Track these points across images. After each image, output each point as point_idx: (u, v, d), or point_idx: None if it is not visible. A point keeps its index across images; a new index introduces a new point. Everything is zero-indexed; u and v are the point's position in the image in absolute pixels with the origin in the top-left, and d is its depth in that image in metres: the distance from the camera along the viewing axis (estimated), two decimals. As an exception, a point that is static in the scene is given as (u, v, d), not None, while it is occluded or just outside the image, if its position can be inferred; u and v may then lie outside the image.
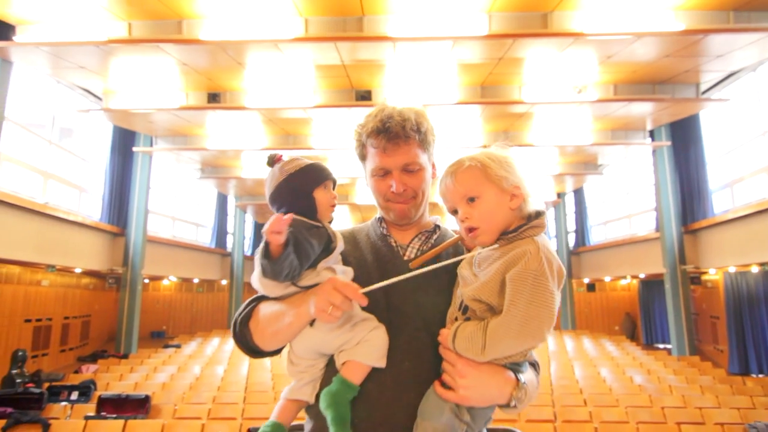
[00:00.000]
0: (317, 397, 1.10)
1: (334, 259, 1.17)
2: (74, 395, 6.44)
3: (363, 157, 1.29)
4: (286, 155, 1.21)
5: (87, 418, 5.38)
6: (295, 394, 1.15)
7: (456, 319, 1.08)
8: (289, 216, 1.00)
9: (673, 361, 9.19)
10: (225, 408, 5.84)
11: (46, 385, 6.86)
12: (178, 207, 14.21)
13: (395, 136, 1.19)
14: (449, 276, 1.17)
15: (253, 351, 1.17)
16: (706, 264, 10.40)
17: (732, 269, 10.27)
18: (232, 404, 6.04)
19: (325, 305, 1.00)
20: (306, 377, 1.15)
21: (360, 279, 1.14)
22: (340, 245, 1.18)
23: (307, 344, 1.13)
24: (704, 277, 11.86)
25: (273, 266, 1.02)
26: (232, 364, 8.62)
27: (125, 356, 10.08)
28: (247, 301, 1.23)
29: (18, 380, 7.43)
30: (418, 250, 1.26)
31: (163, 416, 5.65)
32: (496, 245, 1.05)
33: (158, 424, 5.07)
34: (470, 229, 1.07)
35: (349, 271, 1.17)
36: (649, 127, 10.42)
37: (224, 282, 17.10)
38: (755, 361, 10.10)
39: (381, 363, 1.09)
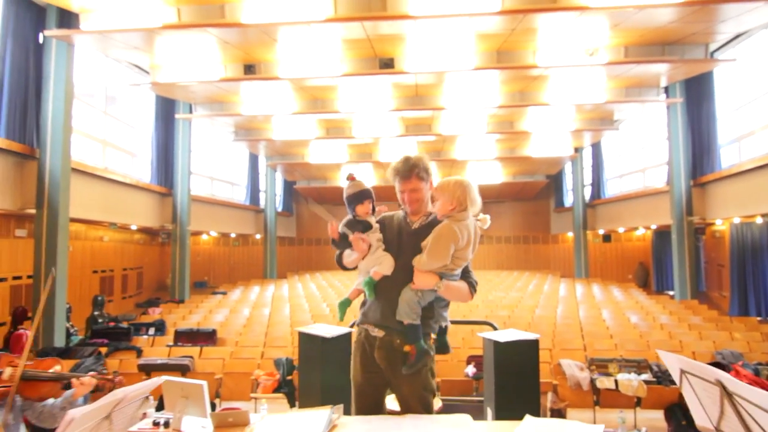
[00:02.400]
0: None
1: (375, 230, 2.17)
2: (151, 331, 7.74)
3: (394, 181, 2.27)
4: (355, 175, 2.14)
5: (168, 346, 6.63)
6: (358, 286, 2.22)
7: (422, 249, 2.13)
8: (333, 226, 2.04)
9: (673, 304, 10.04)
10: (276, 339, 7.04)
11: (125, 323, 8.20)
12: (215, 167, 15.28)
13: (406, 176, 2.13)
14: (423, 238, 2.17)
15: (345, 268, 2.21)
16: (713, 215, 10.99)
17: (737, 220, 10.84)
18: (281, 336, 7.23)
19: (356, 243, 2.07)
20: (361, 280, 2.15)
21: (388, 237, 2.21)
22: (375, 227, 2.23)
23: (362, 266, 2.11)
24: (712, 228, 12.45)
25: (334, 244, 2.12)
26: (275, 307, 9.87)
27: (181, 301, 11.49)
28: (340, 249, 2.24)
29: (100, 320, 8.82)
30: (419, 224, 2.20)
31: (227, 345, 6.88)
32: (442, 221, 2.07)
33: (227, 351, 6.28)
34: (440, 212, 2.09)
35: (378, 235, 2.12)
36: (663, 84, 10.74)
37: (258, 236, 18.38)
38: (754, 305, 10.84)
39: (389, 272, 2.17)
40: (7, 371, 1.94)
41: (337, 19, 6.82)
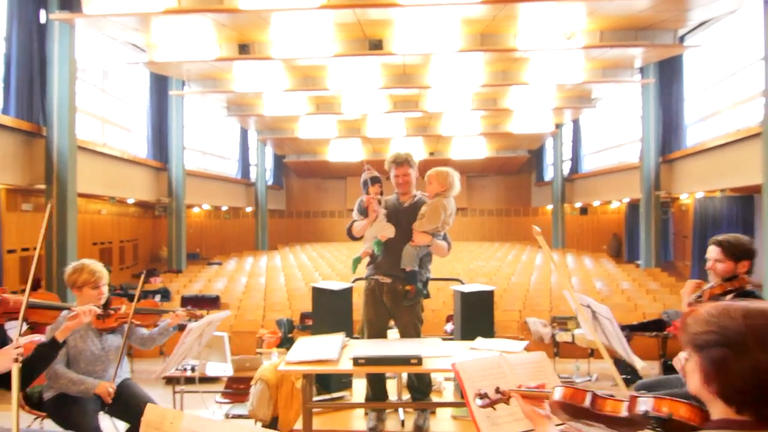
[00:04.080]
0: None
1: (381, 206, 2.78)
2: (157, 297, 8.36)
3: (390, 169, 2.96)
4: (370, 166, 2.76)
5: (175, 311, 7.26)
6: (364, 248, 2.93)
7: (418, 219, 2.86)
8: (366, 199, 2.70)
9: (637, 272, 10.95)
10: (275, 304, 7.73)
11: (132, 291, 8.80)
12: (207, 142, 15.63)
13: (399, 165, 2.84)
14: (417, 211, 2.88)
15: (353, 238, 2.90)
16: (679, 190, 11.82)
17: (700, 194, 11.69)
18: (279, 302, 7.93)
19: (371, 203, 2.84)
20: (368, 245, 2.82)
21: (388, 213, 2.95)
22: (383, 204, 2.89)
23: (368, 234, 2.84)
24: (679, 202, 13.33)
25: (359, 212, 2.80)
26: (270, 276, 10.54)
27: (179, 271, 12.09)
28: (351, 221, 2.93)
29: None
30: (408, 203, 2.87)
31: (231, 309, 7.56)
32: (433, 198, 2.76)
33: (232, 314, 6.95)
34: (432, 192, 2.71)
35: (384, 210, 2.79)
36: (638, 65, 11.37)
37: (249, 209, 18.88)
38: (712, 272, 11.82)
39: (392, 235, 2.89)
40: (124, 307, 2.58)
41: (330, 6, 7.25)
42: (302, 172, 21.12)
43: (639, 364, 2.08)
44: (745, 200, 11.10)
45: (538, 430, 1.24)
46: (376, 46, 9.49)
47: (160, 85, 12.24)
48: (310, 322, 6.18)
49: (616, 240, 18.28)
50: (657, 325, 5.43)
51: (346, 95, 12.56)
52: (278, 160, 20.11)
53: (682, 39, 10.03)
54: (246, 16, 8.25)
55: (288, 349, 5.55)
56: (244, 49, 9.71)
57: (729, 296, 2.20)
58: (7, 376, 1.71)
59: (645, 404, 1.04)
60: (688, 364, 0.95)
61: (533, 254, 13.97)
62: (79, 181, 8.68)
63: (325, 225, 21.40)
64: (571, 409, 1.14)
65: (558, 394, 1.18)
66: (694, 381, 0.95)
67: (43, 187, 7.99)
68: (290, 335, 5.97)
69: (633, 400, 1.07)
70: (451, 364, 1.57)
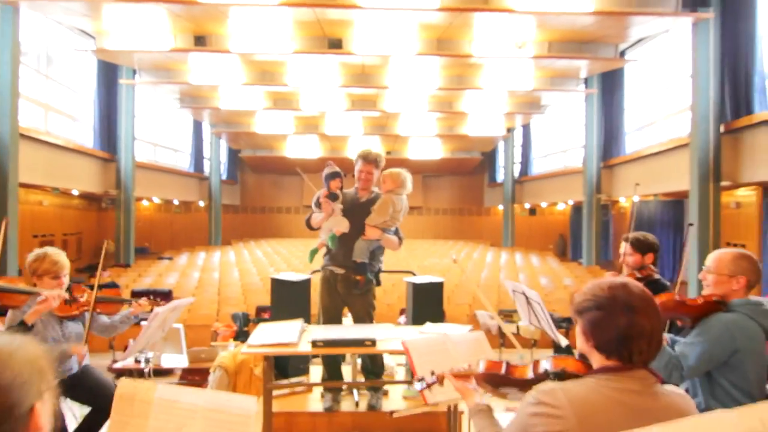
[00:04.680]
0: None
1: (338, 201, 2.91)
2: (105, 292, 8.10)
3: (357, 162, 3.13)
4: (332, 163, 2.90)
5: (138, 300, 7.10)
6: (320, 240, 3.08)
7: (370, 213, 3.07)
8: (323, 193, 2.79)
9: (579, 269, 11.65)
10: (229, 298, 7.70)
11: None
12: (158, 133, 15.15)
13: (367, 162, 3.01)
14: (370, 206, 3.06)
15: (312, 228, 3.06)
16: (617, 194, 12.65)
17: (636, 198, 12.55)
18: (234, 297, 7.90)
19: (325, 204, 2.98)
20: (323, 237, 2.97)
21: (345, 207, 3.06)
22: (340, 199, 3.01)
23: (324, 226, 3.04)
24: (618, 205, 14.25)
25: (316, 205, 2.86)
26: (224, 271, 10.43)
27: (127, 266, 11.71)
28: (310, 212, 3.04)
29: (48, 283, 8.98)
30: (366, 199, 3.07)
31: (184, 305, 7.46)
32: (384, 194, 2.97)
33: (186, 308, 6.87)
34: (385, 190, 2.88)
35: (339, 205, 2.95)
36: (583, 75, 12.08)
37: (201, 203, 18.44)
38: (646, 270, 12.73)
39: (346, 230, 3.05)
40: (86, 295, 2.58)
41: (289, 3, 7.30)
42: (258, 167, 20.83)
43: (563, 342, 2.37)
44: (676, 204, 12.05)
45: (468, 401, 1.48)
46: (335, 45, 9.59)
47: (108, 73, 11.76)
48: (266, 316, 6.24)
49: (561, 240, 19.24)
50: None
51: (305, 92, 12.57)
52: (233, 154, 19.75)
53: (623, 53, 10.76)
54: (203, 8, 8.15)
55: (243, 342, 5.59)
56: (200, 40, 9.55)
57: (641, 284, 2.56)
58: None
59: (545, 364, 1.30)
60: (576, 328, 1.20)
61: (484, 252, 14.51)
62: (20, 170, 8.27)
63: (281, 221, 21.22)
64: (492, 379, 1.39)
65: (481, 366, 1.42)
66: (580, 340, 1.20)
67: (-21, 175, 7.57)
68: (245, 329, 6.00)
69: (536, 363, 1.33)
70: (402, 342, 1.76)
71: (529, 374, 1.31)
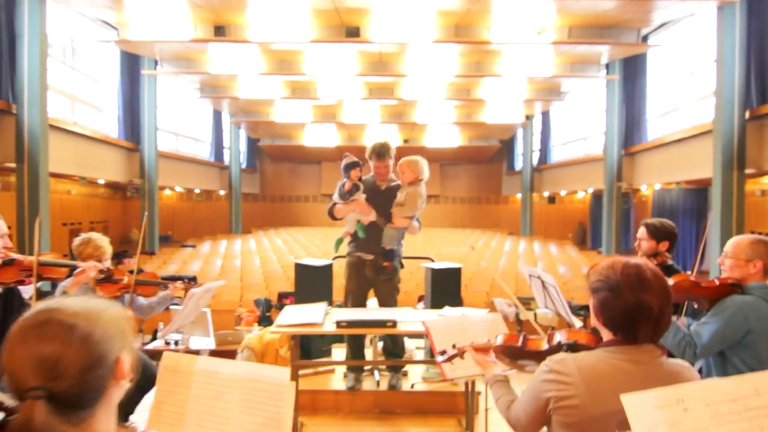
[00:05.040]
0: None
1: (360, 191, 3.00)
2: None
3: (371, 159, 3.24)
4: (347, 155, 2.98)
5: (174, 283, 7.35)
6: (346, 229, 3.15)
7: (396, 205, 3.16)
8: (348, 183, 2.85)
9: (599, 258, 11.54)
10: (251, 285, 7.90)
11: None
12: (179, 123, 15.42)
13: (381, 158, 3.11)
14: (394, 195, 3.14)
15: (334, 218, 3.11)
16: (639, 182, 12.46)
17: (658, 186, 12.37)
18: (255, 283, 8.10)
19: (362, 205, 3.07)
20: (349, 226, 3.05)
21: (367, 194, 3.12)
22: (362, 188, 3.10)
23: (350, 217, 3.05)
24: (640, 193, 14.03)
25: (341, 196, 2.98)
26: (246, 258, 10.65)
27: (152, 253, 12.04)
28: (332, 201, 3.13)
29: (78, 269, 9.32)
30: (386, 187, 3.14)
31: (208, 290, 7.68)
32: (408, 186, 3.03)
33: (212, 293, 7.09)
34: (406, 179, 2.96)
35: (363, 195, 3.03)
36: (604, 61, 11.86)
37: (222, 192, 18.75)
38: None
39: (374, 218, 3.19)
40: (126, 278, 2.74)
41: (308, -8, 7.33)
42: (277, 156, 21.03)
43: (577, 324, 2.43)
44: (699, 192, 11.83)
45: (487, 372, 1.56)
46: (352, 33, 9.61)
47: (131, 63, 12.00)
48: (287, 302, 6.40)
49: (581, 228, 19.04)
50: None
51: (322, 81, 12.63)
52: (252, 143, 19.97)
53: (645, 38, 10.53)
54: (223, -2, 8.24)
55: (266, 326, 5.76)
56: (219, 30, 9.67)
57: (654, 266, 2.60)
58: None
59: (559, 336, 1.40)
60: (589, 303, 1.27)
61: (502, 241, 14.48)
62: (50, 160, 8.55)
63: (299, 209, 21.45)
64: (510, 350, 1.47)
65: (500, 339, 1.51)
66: (592, 316, 1.28)
67: (12, 165, 7.85)
68: (268, 314, 6.18)
69: (551, 335, 1.41)
70: (422, 322, 1.85)
71: (544, 346, 1.40)
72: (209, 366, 1.42)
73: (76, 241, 2.64)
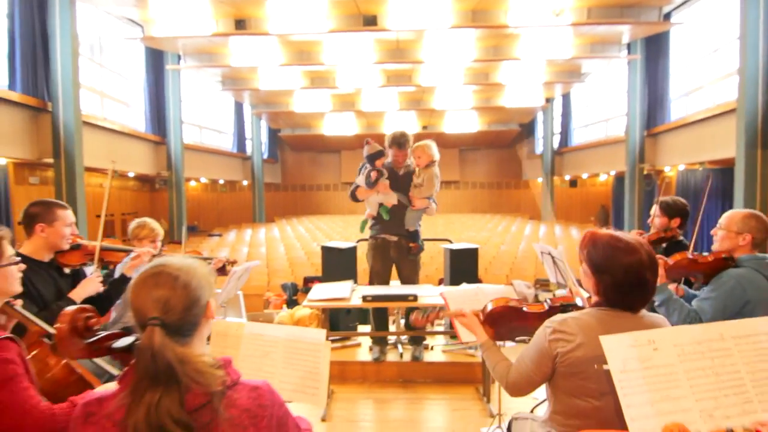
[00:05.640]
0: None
1: (384, 177, 3.19)
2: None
3: (391, 147, 3.41)
4: (371, 140, 3.16)
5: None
6: (368, 211, 3.34)
7: (415, 187, 3.33)
8: (374, 173, 3.05)
9: (620, 240, 11.51)
10: (277, 271, 8.20)
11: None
12: (203, 115, 15.80)
13: (401, 148, 3.33)
14: (411, 179, 3.39)
15: (356, 200, 3.34)
16: (661, 163, 12.30)
17: (682, 167, 12.19)
18: (281, 269, 8.40)
19: (384, 186, 3.30)
20: (372, 209, 3.25)
21: (390, 179, 3.25)
22: (385, 174, 3.24)
23: (372, 199, 3.29)
24: (663, 174, 13.83)
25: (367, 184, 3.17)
26: (270, 246, 10.99)
27: (181, 242, 12.49)
28: (354, 184, 3.34)
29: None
30: (403, 172, 3.39)
31: (236, 276, 8.02)
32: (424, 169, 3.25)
33: (238, 279, 7.40)
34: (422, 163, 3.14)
35: (385, 179, 3.21)
36: (625, 41, 11.67)
37: (245, 182, 19.18)
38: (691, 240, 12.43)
39: (396, 202, 3.40)
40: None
41: (326, -17, 7.46)
42: (297, 146, 21.33)
43: (579, 301, 2.58)
44: (724, 172, 11.61)
45: (479, 337, 1.68)
46: (370, 21, 9.71)
47: (155, 59, 12.36)
48: (313, 285, 6.68)
49: (603, 211, 18.85)
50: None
51: (341, 70, 12.77)
52: (273, 134, 20.29)
53: (667, 16, 10.33)
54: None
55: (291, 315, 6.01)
56: (240, 24, 9.89)
57: (663, 244, 2.73)
58: (91, 301, 2.16)
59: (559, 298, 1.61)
60: (581, 268, 1.45)
61: (523, 225, 14.51)
62: (85, 155, 8.96)
63: (320, 198, 21.77)
64: (509, 313, 1.64)
65: (493, 305, 1.66)
66: (584, 280, 1.45)
67: (50, 161, 8.29)
68: (294, 297, 6.46)
69: (553, 299, 1.57)
70: (440, 294, 2.03)
71: (546, 308, 1.57)
72: (255, 330, 1.64)
73: (133, 224, 2.92)
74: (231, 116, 17.36)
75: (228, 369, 0.97)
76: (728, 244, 2.06)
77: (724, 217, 2.11)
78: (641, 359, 0.98)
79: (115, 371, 1.55)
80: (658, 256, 1.79)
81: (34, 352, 1.32)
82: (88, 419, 0.92)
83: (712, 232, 2.17)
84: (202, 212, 20.27)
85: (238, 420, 0.92)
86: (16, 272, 1.38)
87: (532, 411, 2.12)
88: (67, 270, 2.27)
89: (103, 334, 1.12)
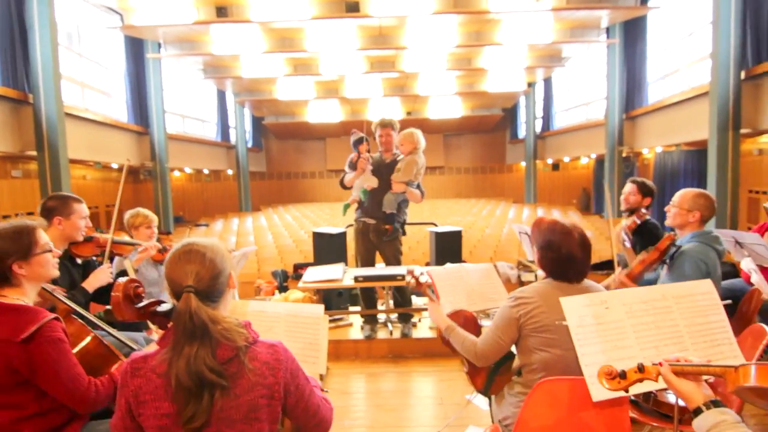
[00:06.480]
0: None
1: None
2: (153, 256, 8.82)
3: (376, 130, 3.50)
4: (354, 131, 3.29)
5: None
6: (352, 197, 3.47)
7: (396, 171, 3.55)
8: (355, 156, 3.20)
9: (600, 222, 11.86)
10: (267, 258, 8.32)
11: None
12: (185, 105, 15.65)
13: (384, 126, 3.36)
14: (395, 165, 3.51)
15: (345, 187, 3.49)
16: (640, 145, 12.62)
17: (659, 149, 12.53)
18: (270, 257, 8.52)
19: (362, 162, 3.47)
20: (355, 194, 3.40)
21: (374, 167, 3.41)
22: (371, 161, 3.36)
23: (356, 184, 3.55)
24: (642, 156, 14.19)
25: (350, 167, 3.28)
26: (258, 234, 11.07)
27: (168, 233, 12.49)
28: (343, 173, 3.49)
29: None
30: (390, 160, 3.44)
31: (226, 264, 8.13)
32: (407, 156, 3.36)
33: (228, 267, 7.53)
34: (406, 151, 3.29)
35: (370, 166, 3.35)
36: (604, 25, 11.87)
37: (230, 171, 19.10)
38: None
39: (376, 185, 3.61)
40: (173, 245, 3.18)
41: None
42: (281, 134, 21.25)
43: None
44: (699, 154, 11.98)
45: (440, 324, 1.92)
46: (352, 8, 9.74)
47: (135, 48, 12.19)
48: (303, 272, 6.82)
49: (585, 194, 19.25)
50: (607, 265, 6.24)
51: (324, 57, 12.76)
52: (257, 122, 20.17)
53: (645, 0, 10.54)
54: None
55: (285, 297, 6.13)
56: (221, 12, 9.83)
57: (634, 228, 2.93)
58: (102, 292, 2.30)
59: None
60: (533, 251, 1.67)
61: (506, 209, 14.79)
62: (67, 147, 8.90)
63: (305, 186, 21.78)
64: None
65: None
66: (535, 257, 1.74)
67: (33, 153, 8.22)
68: (285, 284, 6.60)
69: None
70: (426, 272, 2.21)
71: None
72: (258, 307, 1.80)
73: (127, 214, 3.03)
74: (214, 105, 17.22)
75: (249, 330, 1.15)
76: (679, 220, 2.28)
77: (677, 196, 2.34)
78: (595, 316, 1.16)
79: (135, 347, 1.70)
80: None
81: (71, 328, 1.51)
82: (135, 373, 1.09)
83: (665, 209, 2.38)
84: (187, 202, 20.13)
85: (259, 370, 1.10)
86: (51, 259, 1.52)
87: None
88: (78, 260, 2.41)
89: (149, 300, 1.30)
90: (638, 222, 2.92)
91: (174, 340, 1.08)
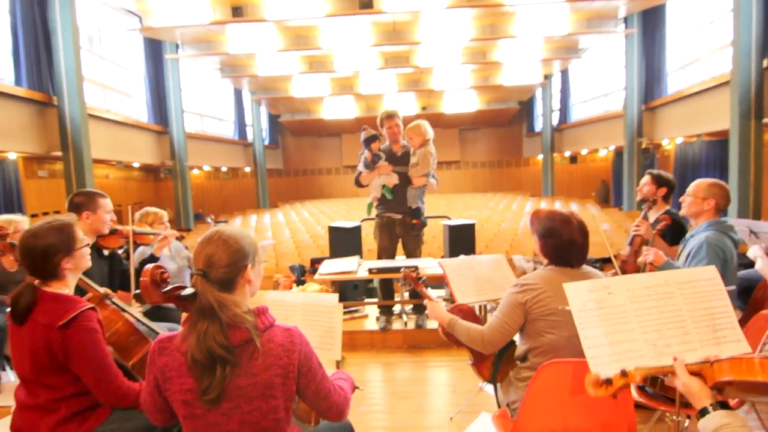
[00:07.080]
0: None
1: (382, 159, 3.40)
2: (175, 252, 9.04)
3: (381, 124, 3.61)
4: (364, 128, 3.35)
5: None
6: (373, 194, 3.54)
7: (412, 167, 3.61)
8: (369, 154, 3.24)
9: (619, 214, 11.72)
10: (285, 254, 8.45)
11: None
12: (203, 103, 15.91)
13: (388, 118, 3.43)
14: (408, 158, 3.62)
15: (360, 185, 3.53)
16: (660, 136, 12.41)
17: (680, 140, 12.30)
18: (288, 252, 8.65)
19: (386, 168, 3.53)
20: (376, 192, 3.47)
21: (387, 160, 3.53)
22: (383, 157, 3.44)
23: (375, 182, 3.52)
24: (662, 148, 13.94)
25: (366, 166, 3.38)
26: (276, 230, 11.23)
27: (189, 230, 12.76)
28: (357, 171, 3.55)
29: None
30: (401, 153, 3.58)
31: (245, 260, 8.29)
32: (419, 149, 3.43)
33: (247, 263, 7.68)
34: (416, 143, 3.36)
35: (384, 161, 3.41)
36: (622, 15, 11.67)
37: (247, 169, 19.36)
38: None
39: (397, 181, 3.67)
40: None
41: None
42: (297, 131, 21.43)
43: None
44: (721, 144, 11.73)
45: (442, 320, 1.95)
46: (366, 5, 9.76)
47: (154, 49, 12.44)
48: (319, 266, 6.93)
49: (604, 186, 19.00)
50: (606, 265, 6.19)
51: (338, 53, 12.83)
52: (273, 119, 20.38)
53: (663, -12, 10.33)
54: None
55: (302, 289, 6.25)
56: (237, 11, 9.96)
57: (661, 224, 2.90)
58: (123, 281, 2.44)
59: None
60: (533, 240, 1.75)
61: (523, 202, 14.70)
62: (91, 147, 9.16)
63: (322, 182, 21.94)
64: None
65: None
66: (536, 247, 1.80)
67: (58, 154, 8.49)
68: (303, 278, 6.72)
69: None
70: (438, 263, 2.26)
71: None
72: (276, 297, 1.88)
73: (138, 215, 3.17)
74: (231, 103, 17.46)
75: (265, 315, 1.22)
76: (694, 209, 2.29)
77: (692, 185, 2.34)
78: (597, 301, 1.20)
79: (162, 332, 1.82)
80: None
81: (104, 312, 1.63)
82: (162, 352, 1.18)
83: (680, 199, 2.38)
84: (206, 200, 20.49)
85: (275, 352, 1.18)
86: (87, 252, 1.65)
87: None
88: (105, 252, 2.53)
89: (174, 285, 1.40)
90: (662, 222, 2.90)
91: (190, 319, 1.17)
